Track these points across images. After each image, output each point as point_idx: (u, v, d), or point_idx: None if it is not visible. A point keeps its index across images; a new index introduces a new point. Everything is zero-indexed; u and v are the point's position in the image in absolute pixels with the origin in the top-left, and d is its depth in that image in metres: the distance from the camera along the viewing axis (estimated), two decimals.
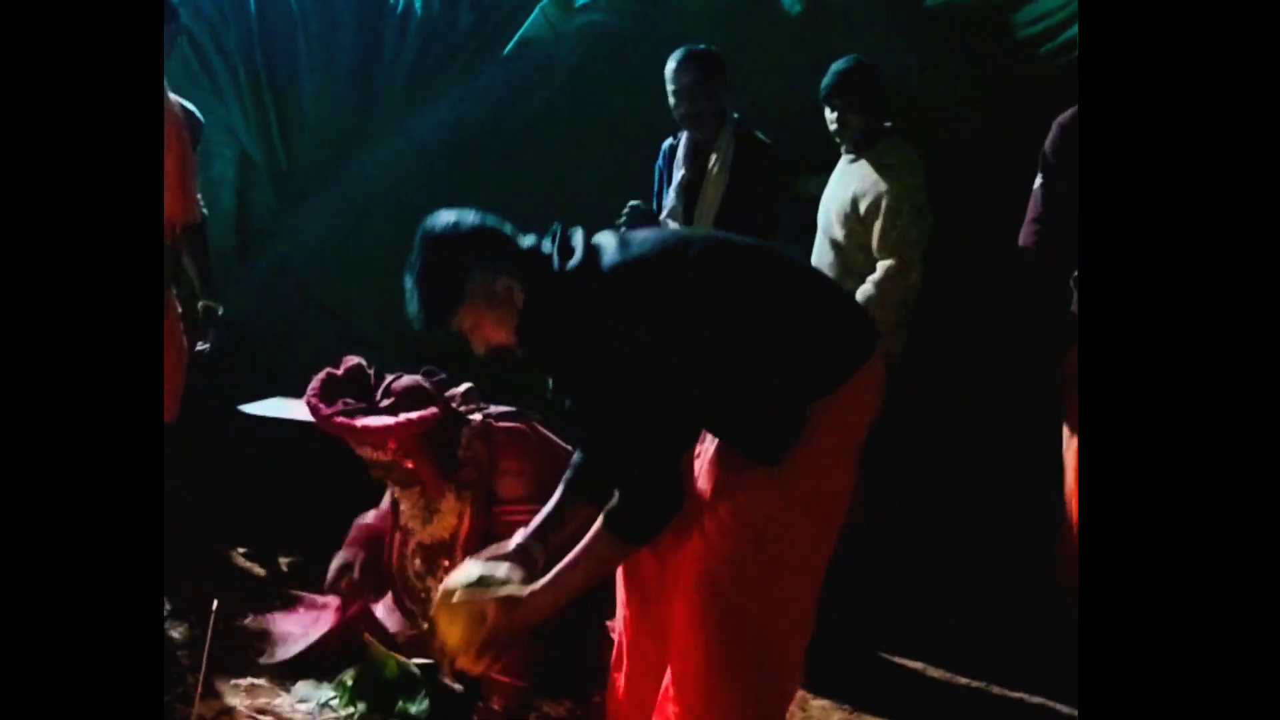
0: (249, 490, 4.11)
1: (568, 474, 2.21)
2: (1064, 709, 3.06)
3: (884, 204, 3.44)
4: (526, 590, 2.05)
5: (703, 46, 3.63)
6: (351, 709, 2.71)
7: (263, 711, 2.74)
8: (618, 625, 2.37)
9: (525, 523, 2.20)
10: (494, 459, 2.90)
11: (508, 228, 2.19)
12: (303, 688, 2.84)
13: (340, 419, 2.85)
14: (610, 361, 2.02)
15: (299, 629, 3.13)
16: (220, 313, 3.69)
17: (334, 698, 2.75)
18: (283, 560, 3.92)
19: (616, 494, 2.06)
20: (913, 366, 3.47)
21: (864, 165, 3.53)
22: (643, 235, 2.19)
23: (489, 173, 4.44)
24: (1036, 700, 3.14)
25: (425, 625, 2.80)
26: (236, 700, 2.78)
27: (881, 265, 3.44)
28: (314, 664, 2.93)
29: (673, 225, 3.57)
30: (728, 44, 3.77)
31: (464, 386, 3.08)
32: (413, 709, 2.64)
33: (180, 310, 3.56)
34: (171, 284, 3.48)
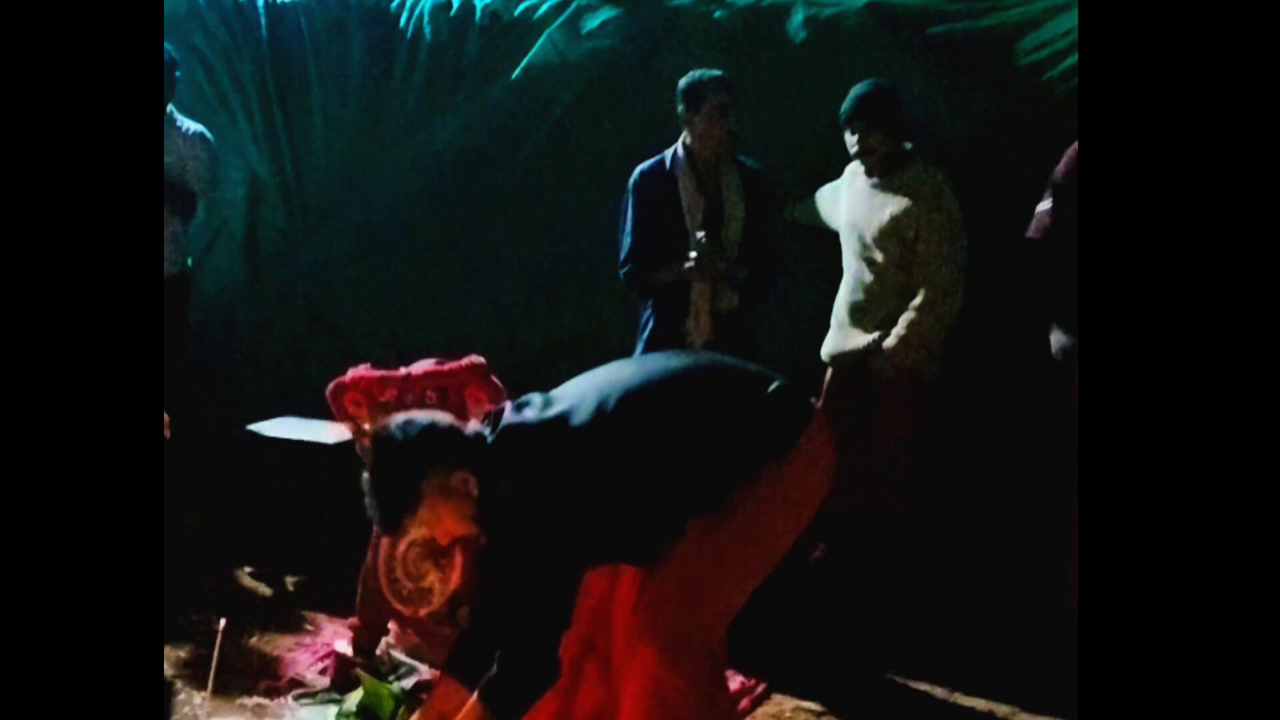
0: (256, 509, 4.13)
1: (451, 653, 2.37)
2: None
3: (927, 229, 3.53)
4: None
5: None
6: None
7: None
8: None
9: None
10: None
11: (461, 424, 2.35)
12: (307, 713, 2.87)
13: (379, 371, 2.90)
14: (510, 524, 2.22)
15: (308, 656, 3.16)
16: None
17: None
18: (289, 580, 3.94)
19: (495, 665, 2.17)
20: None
21: (898, 188, 3.59)
22: (555, 397, 2.36)
23: (497, 196, 4.48)
24: None
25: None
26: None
27: (924, 289, 3.51)
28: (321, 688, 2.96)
29: (692, 261, 3.58)
30: (733, 70, 3.81)
31: None
32: None
33: None
34: None
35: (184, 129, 4.22)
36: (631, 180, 3.75)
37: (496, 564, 2.31)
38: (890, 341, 3.56)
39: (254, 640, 3.27)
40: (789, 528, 2.38)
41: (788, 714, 3.08)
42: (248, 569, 4.00)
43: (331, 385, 3.10)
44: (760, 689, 3.15)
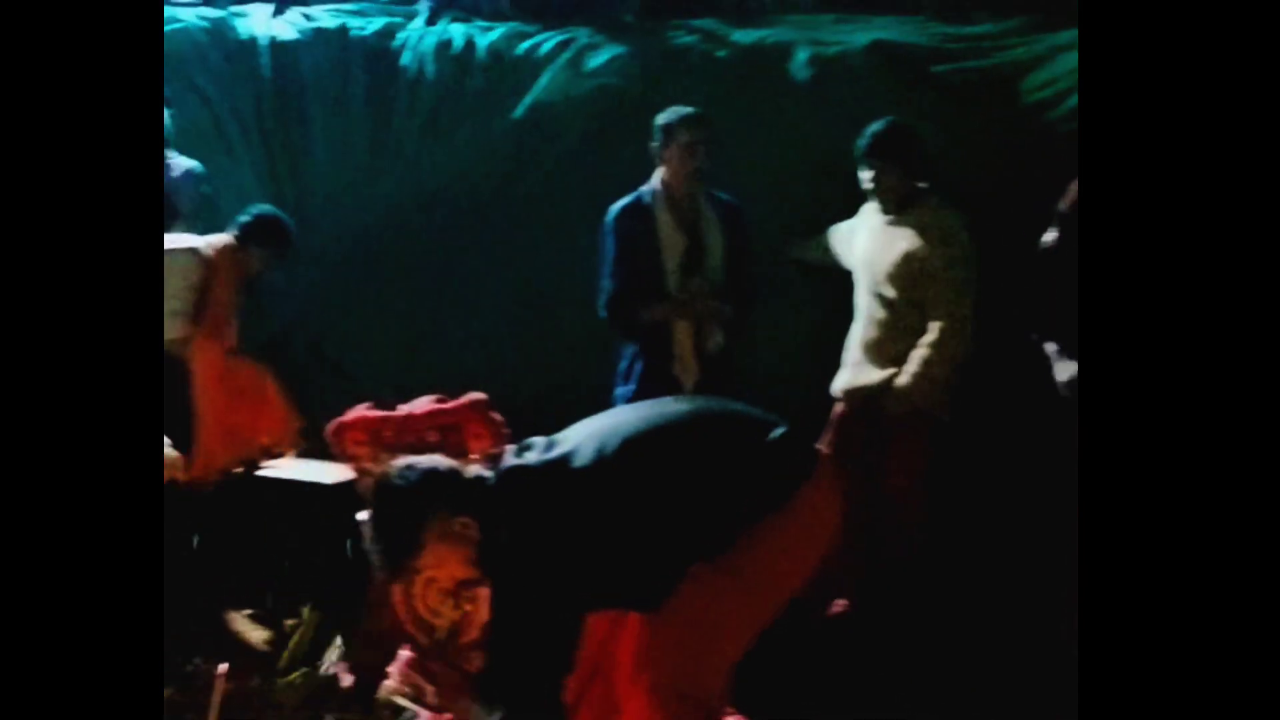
0: (255, 551, 4.08)
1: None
2: None
3: (941, 266, 3.53)
4: None
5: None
6: None
7: None
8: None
9: None
10: None
11: (462, 466, 2.34)
12: None
13: (380, 412, 2.87)
14: (511, 569, 2.21)
15: None
16: None
17: None
18: (287, 623, 3.88)
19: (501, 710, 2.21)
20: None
21: (912, 225, 3.59)
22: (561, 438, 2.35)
23: (499, 234, 4.47)
24: None
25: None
26: None
27: (935, 326, 3.51)
28: None
29: (677, 299, 3.58)
30: (736, 109, 3.82)
31: None
32: None
33: None
34: None
35: (174, 165, 4.22)
36: (608, 218, 3.73)
37: (500, 609, 2.28)
38: (903, 379, 3.55)
39: (254, 684, 3.21)
40: (790, 578, 2.35)
41: None
42: (246, 612, 3.94)
43: (333, 425, 3.09)
44: None
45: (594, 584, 2.23)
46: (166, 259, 3.46)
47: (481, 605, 2.67)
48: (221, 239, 3.81)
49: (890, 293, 3.62)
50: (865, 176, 3.65)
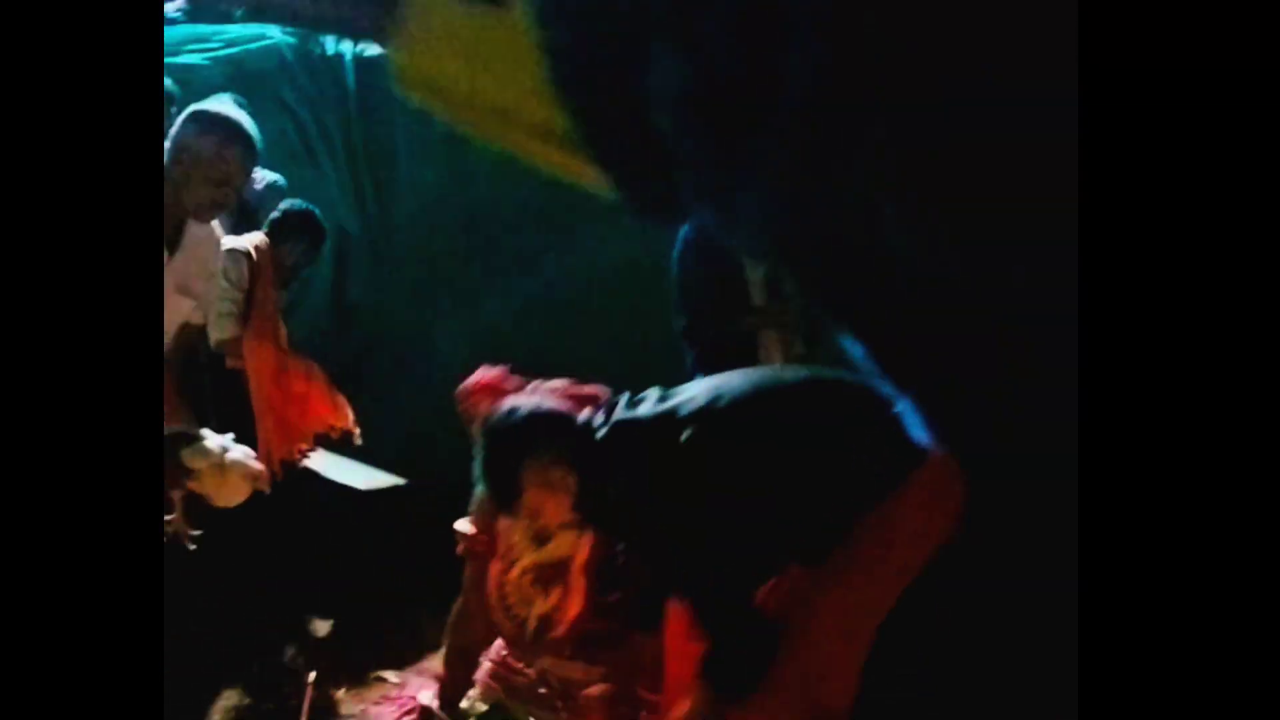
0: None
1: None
2: None
3: None
4: None
5: None
6: None
7: None
8: None
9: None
10: None
11: (572, 410, 2.28)
12: None
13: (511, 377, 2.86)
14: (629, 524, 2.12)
15: (393, 709, 3.13)
16: None
17: None
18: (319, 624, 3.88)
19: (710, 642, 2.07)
20: None
21: None
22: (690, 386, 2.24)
23: (585, 248, 4.48)
24: None
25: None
26: None
27: None
28: None
29: (766, 310, 3.52)
30: None
31: None
32: None
33: None
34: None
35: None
36: (683, 230, 3.68)
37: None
38: None
39: (339, 693, 3.24)
40: (912, 562, 2.17)
41: None
42: (332, 620, 3.97)
43: (463, 385, 3.04)
44: None
45: (696, 554, 2.10)
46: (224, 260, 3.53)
47: (573, 598, 2.59)
48: (256, 237, 3.84)
49: None
50: None
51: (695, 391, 2.18)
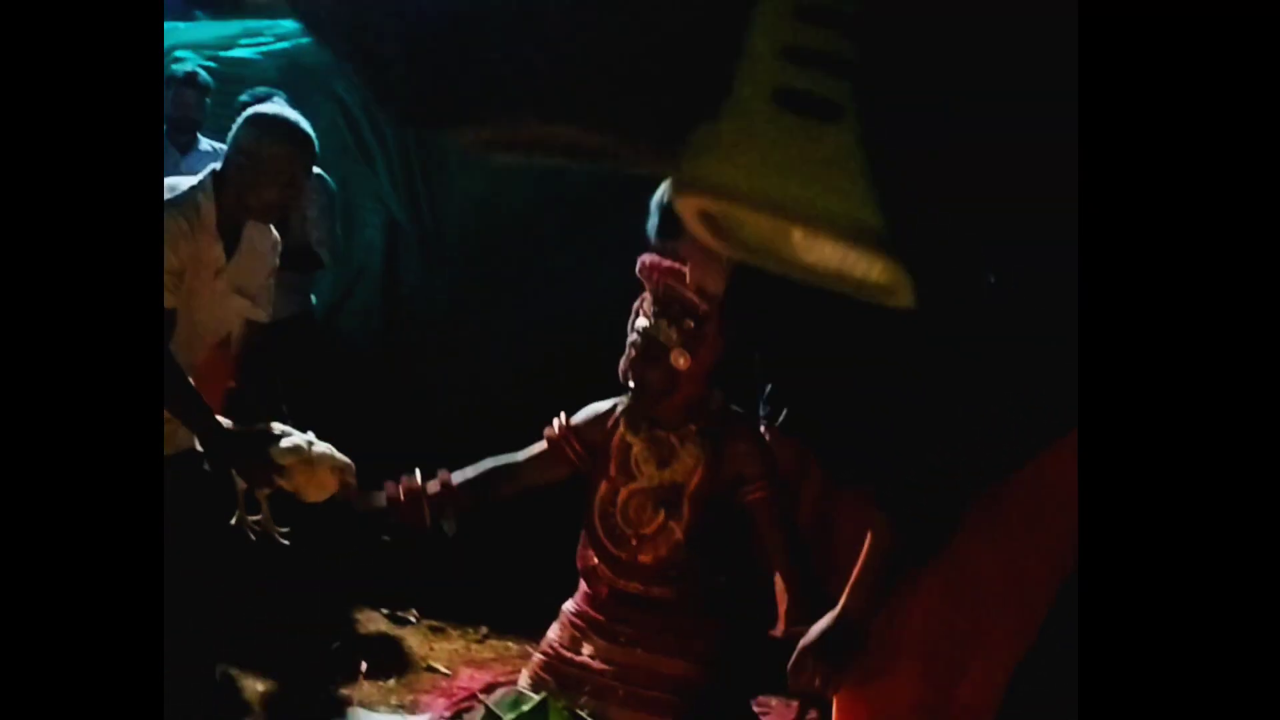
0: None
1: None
2: None
3: None
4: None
5: None
6: None
7: None
8: None
9: (758, 500, 2.39)
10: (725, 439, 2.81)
11: None
12: None
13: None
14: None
15: (443, 700, 3.14)
16: None
17: None
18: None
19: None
20: None
21: None
22: None
23: (632, 240, 4.46)
24: None
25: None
26: None
27: None
28: None
29: None
30: None
31: None
32: None
33: None
34: None
35: None
36: None
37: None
38: None
39: (390, 683, 3.26)
40: (1050, 553, 2.03)
41: None
42: (383, 610, 3.98)
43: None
44: None
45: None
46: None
47: (681, 524, 2.61)
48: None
49: None
50: None
51: None
